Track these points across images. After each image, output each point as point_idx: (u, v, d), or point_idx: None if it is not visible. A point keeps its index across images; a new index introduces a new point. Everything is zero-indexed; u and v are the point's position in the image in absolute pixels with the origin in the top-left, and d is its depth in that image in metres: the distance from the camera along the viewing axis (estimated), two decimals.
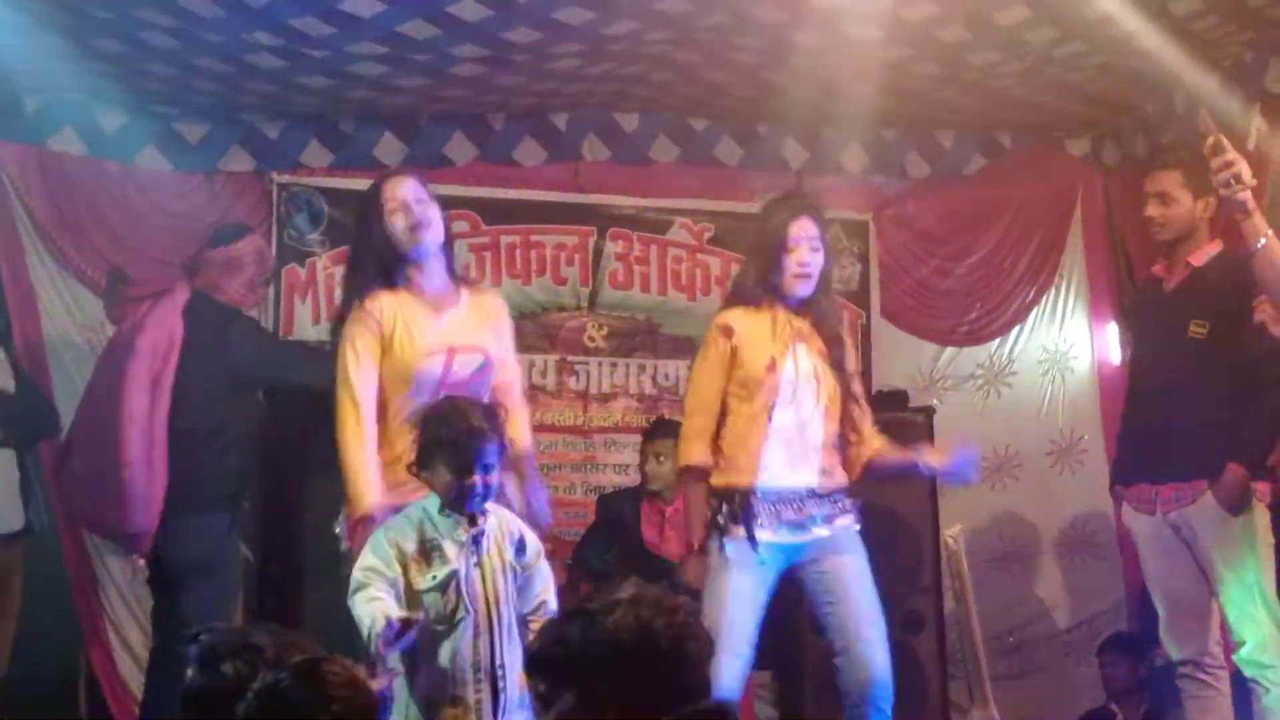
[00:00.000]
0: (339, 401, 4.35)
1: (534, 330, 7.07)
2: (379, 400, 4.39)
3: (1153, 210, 4.88)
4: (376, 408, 4.38)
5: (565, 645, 2.57)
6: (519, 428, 4.65)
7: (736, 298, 4.69)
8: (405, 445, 4.18)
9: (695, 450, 4.58)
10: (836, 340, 4.60)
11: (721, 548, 4.46)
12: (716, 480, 4.51)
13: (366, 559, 3.84)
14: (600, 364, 7.11)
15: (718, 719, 2.51)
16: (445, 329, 4.39)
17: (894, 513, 6.38)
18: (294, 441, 6.12)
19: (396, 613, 3.70)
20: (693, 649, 2.54)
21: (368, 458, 4.29)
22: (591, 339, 7.12)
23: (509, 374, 4.71)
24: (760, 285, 4.58)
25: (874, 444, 4.72)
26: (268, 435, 6.51)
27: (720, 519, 4.46)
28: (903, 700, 6.01)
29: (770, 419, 4.44)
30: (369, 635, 3.68)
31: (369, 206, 4.49)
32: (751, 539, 4.40)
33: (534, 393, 7.01)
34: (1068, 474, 7.26)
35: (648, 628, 2.51)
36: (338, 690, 2.55)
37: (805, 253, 4.50)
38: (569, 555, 6.51)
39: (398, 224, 4.41)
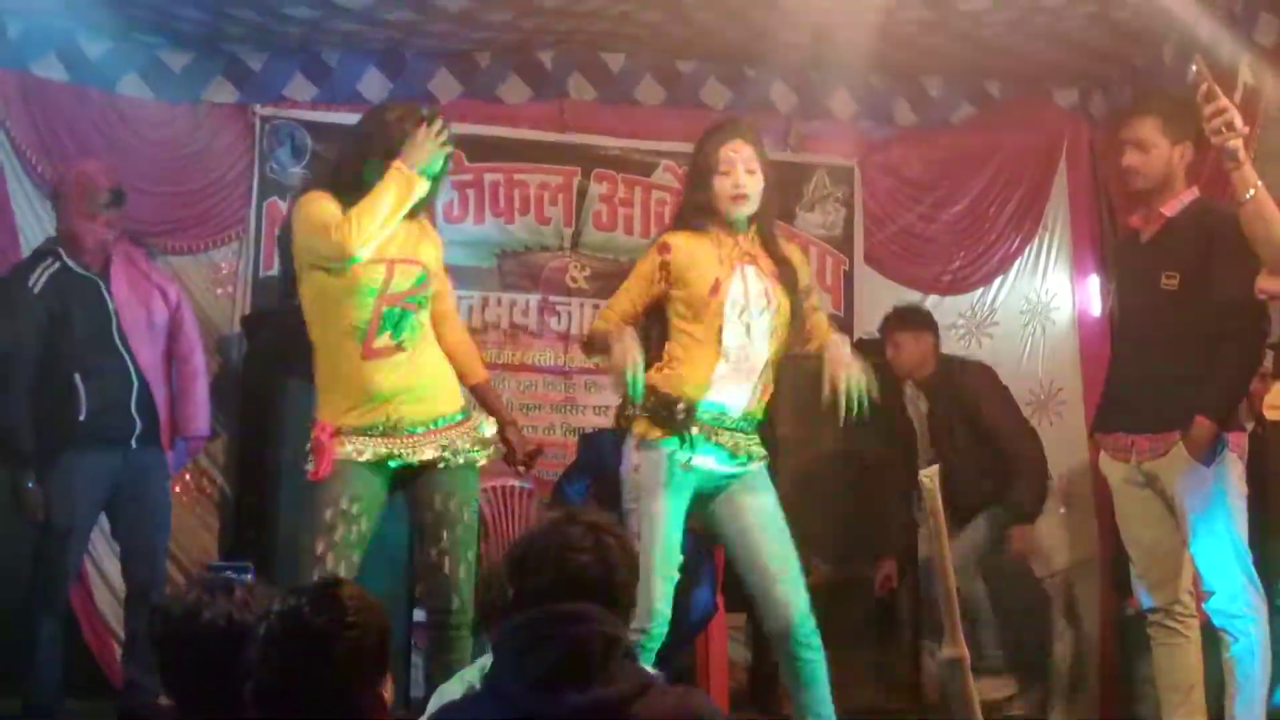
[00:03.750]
0: (328, 216, 4.29)
1: (516, 269, 7.07)
2: (314, 316, 4.40)
3: (1131, 158, 4.83)
4: (312, 324, 4.41)
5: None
6: (478, 362, 4.81)
7: (679, 223, 4.57)
8: (354, 370, 4.29)
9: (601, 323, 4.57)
10: (783, 261, 4.49)
11: (647, 466, 4.36)
12: (662, 385, 4.38)
13: None
14: (582, 305, 7.08)
15: (575, 617, 2.69)
16: (383, 243, 4.34)
17: (870, 458, 6.42)
18: (269, 375, 6.13)
19: None
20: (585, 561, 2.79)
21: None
22: (574, 279, 7.11)
23: (451, 299, 4.78)
24: (697, 212, 4.48)
25: (822, 337, 4.60)
26: (244, 370, 6.55)
27: (655, 430, 4.35)
28: (874, 643, 6.11)
29: (720, 340, 4.37)
30: None
31: (404, 121, 4.40)
32: (686, 458, 4.32)
33: (515, 332, 7.03)
34: (1046, 425, 7.25)
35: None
36: (355, 615, 2.60)
37: (740, 174, 4.40)
38: (548, 494, 6.53)
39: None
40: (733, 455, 4.41)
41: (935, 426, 6.37)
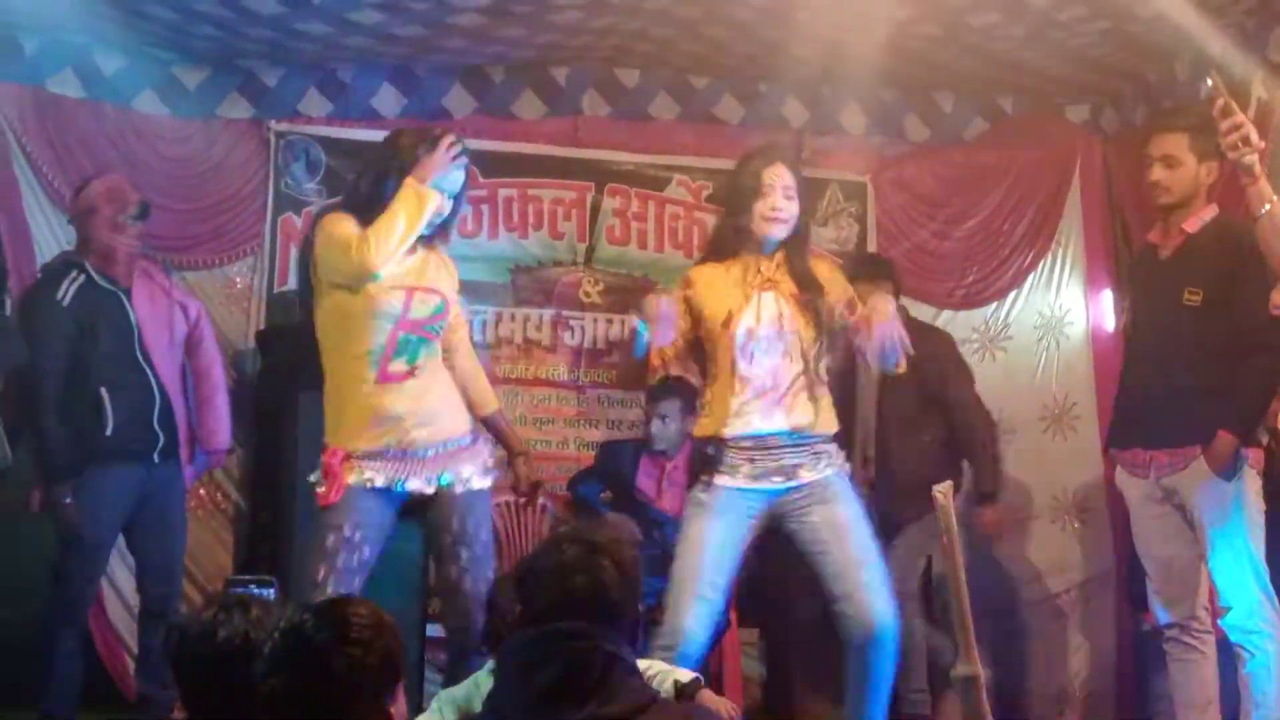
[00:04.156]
0: (349, 235, 4.34)
1: (530, 284, 7.07)
2: (329, 337, 4.45)
3: (1158, 174, 4.85)
4: (325, 347, 4.46)
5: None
6: (489, 391, 4.89)
7: (710, 251, 4.69)
8: (367, 394, 4.32)
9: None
10: (808, 284, 4.55)
11: (696, 494, 4.50)
12: (697, 431, 4.57)
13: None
14: (595, 320, 7.09)
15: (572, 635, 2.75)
16: (404, 270, 4.41)
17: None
18: (284, 390, 6.14)
19: None
20: (580, 582, 2.83)
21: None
22: (587, 294, 7.10)
23: (465, 330, 4.82)
24: (733, 234, 4.57)
25: None
26: (258, 386, 6.55)
27: (695, 465, 4.51)
28: None
29: (735, 371, 4.45)
30: None
31: (421, 146, 4.45)
32: (716, 484, 4.43)
33: (529, 347, 7.03)
34: (1060, 439, 7.27)
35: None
36: (359, 632, 2.61)
37: (779, 198, 4.49)
38: (560, 508, 6.55)
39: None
40: (777, 474, 4.46)
41: (884, 385, 6.25)
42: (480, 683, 3.79)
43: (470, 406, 4.75)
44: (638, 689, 2.76)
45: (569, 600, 2.82)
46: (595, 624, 2.77)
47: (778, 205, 4.48)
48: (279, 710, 2.58)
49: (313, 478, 4.44)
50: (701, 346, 4.57)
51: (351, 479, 4.32)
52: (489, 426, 4.86)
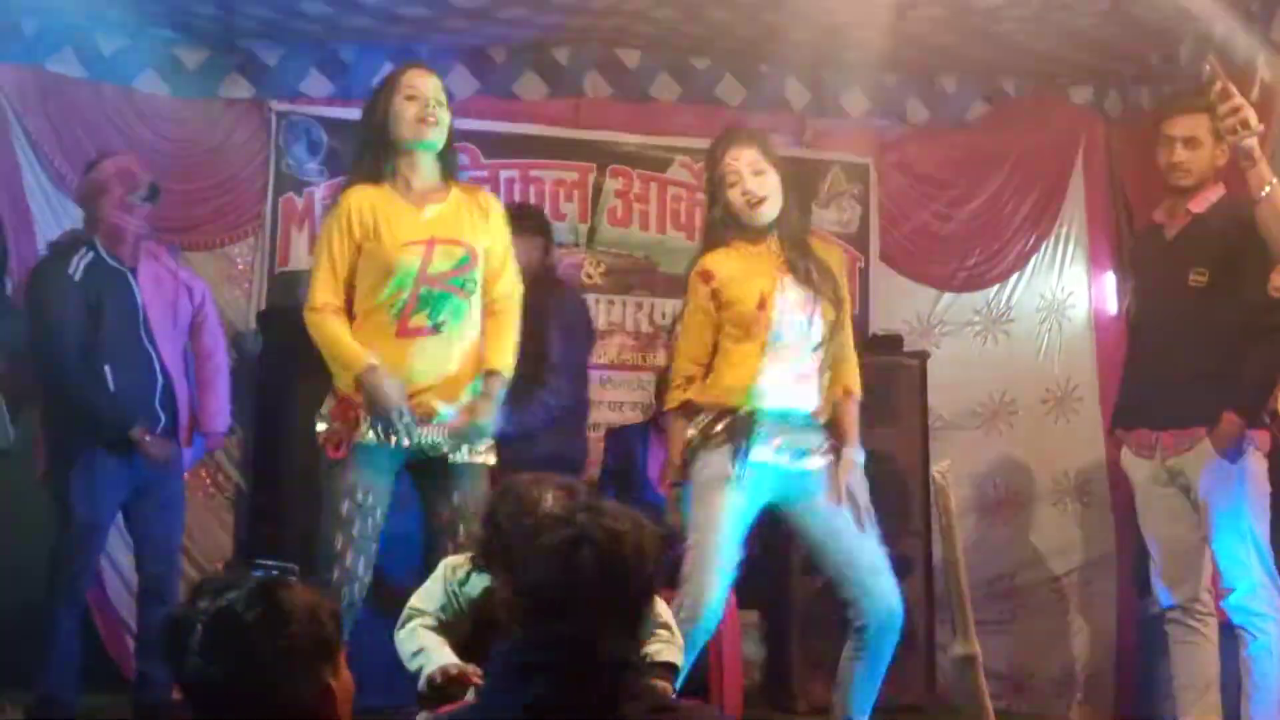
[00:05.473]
0: (315, 277, 4.39)
1: None
2: (353, 290, 4.41)
3: (1180, 155, 4.82)
4: (349, 298, 4.41)
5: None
6: (507, 352, 4.56)
7: (710, 241, 4.62)
8: (386, 347, 4.29)
9: (679, 398, 4.53)
10: (826, 273, 4.53)
11: (710, 464, 4.42)
12: (705, 398, 4.46)
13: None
14: (597, 300, 7.06)
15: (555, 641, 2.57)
16: (426, 221, 4.36)
17: (885, 456, 6.39)
18: (285, 371, 6.13)
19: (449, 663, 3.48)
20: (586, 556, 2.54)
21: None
22: (589, 275, 7.08)
23: (506, 285, 4.60)
24: (723, 225, 4.54)
25: (847, 387, 4.62)
26: (259, 367, 6.54)
27: (714, 434, 4.42)
28: None
29: (765, 352, 4.41)
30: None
31: (386, 88, 4.49)
32: (744, 456, 4.37)
33: None
34: (1062, 422, 7.27)
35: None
36: (290, 612, 2.50)
37: (749, 180, 4.45)
38: None
39: (408, 111, 4.39)
40: (794, 452, 4.45)
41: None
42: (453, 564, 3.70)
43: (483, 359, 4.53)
44: (646, 694, 2.63)
45: (577, 582, 2.53)
46: (605, 619, 2.55)
47: (749, 187, 4.45)
48: (210, 696, 2.53)
49: (320, 428, 4.39)
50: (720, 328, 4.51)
51: (358, 435, 4.28)
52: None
